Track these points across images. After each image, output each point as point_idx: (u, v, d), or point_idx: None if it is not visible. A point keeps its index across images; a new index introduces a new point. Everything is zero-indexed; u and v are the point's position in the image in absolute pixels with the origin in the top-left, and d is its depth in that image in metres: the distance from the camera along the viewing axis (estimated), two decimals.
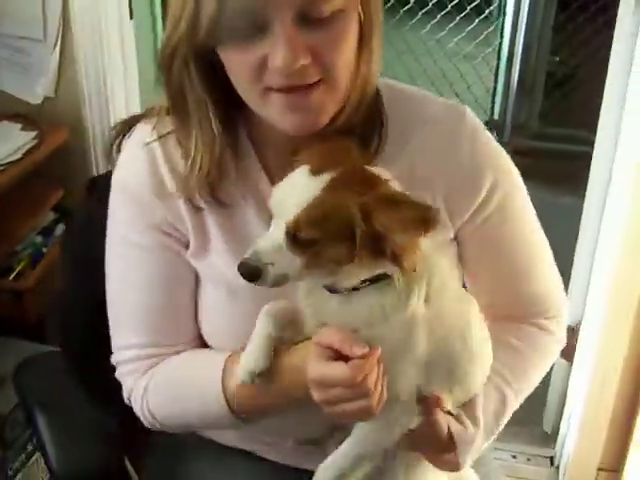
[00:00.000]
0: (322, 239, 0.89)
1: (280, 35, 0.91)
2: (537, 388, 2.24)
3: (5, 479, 1.97)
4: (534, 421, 2.39)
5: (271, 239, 0.91)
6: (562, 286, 1.27)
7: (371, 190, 0.90)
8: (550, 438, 2.32)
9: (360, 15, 0.98)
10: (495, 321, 1.14)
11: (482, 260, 1.18)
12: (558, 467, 2.26)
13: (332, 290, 0.96)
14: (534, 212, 1.21)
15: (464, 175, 1.12)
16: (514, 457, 2.28)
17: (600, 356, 2.05)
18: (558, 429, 2.29)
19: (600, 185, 1.99)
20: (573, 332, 2.14)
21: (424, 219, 0.89)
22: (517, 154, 4.36)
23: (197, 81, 1.00)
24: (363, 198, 0.89)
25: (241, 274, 0.91)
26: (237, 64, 0.97)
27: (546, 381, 2.24)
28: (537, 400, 2.30)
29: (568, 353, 2.18)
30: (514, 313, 1.21)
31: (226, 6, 0.90)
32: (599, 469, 2.16)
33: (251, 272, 0.90)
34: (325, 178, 0.90)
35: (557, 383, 2.26)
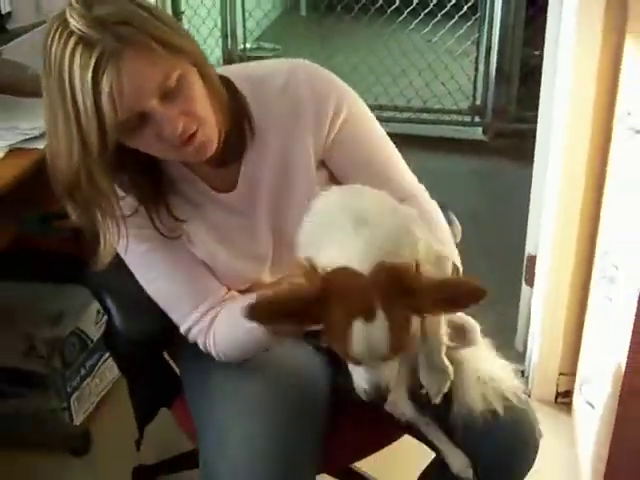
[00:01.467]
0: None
1: (158, 118, 1.20)
2: (509, 316, 2.71)
3: (65, 395, 2.39)
4: (508, 345, 2.84)
5: (383, 372, 1.11)
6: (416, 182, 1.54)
7: (414, 293, 1.06)
8: (521, 355, 2.77)
9: (194, 65, 1.25)
10: None
11: (348, 168, 1.45)
12: (527, 377, 2.71)
13: None
14: (379, 125, 1.48)
15: (315, 113, 1.39)
16: None
17: (553, 280, 2.50)
18: (526, 348, 2.75)
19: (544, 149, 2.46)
20: (533, 260, 2.61)
21: (472, 291, 1.07)
22: (498, 136, 4.80)
23: (104, 180, 1.25)
24: (415, 305, 1.08)
25: (371, 398, 1.14)
26: (141, 146, 1.27)
27: (515, 307, 2.72)
28: (510, 326, 2.77)
29: (530, 279, 2.65)
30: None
31: (107, 122, 1.16)
32: (560, 374, 2.62)
33: (381, 396, 1.13)
34: (380, 316, 1.06)
35: (524, 307, 2.72)
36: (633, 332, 1.72)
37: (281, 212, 1.46)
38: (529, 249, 2.64)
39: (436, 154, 4.14)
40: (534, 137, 2.56)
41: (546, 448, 2.35)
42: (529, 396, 2.55)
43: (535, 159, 2.57)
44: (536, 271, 2.60)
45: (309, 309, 1.08)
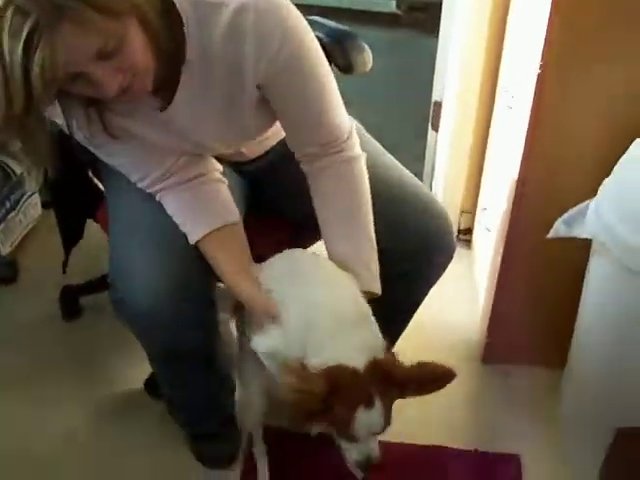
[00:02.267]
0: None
1: (93, 78, 1.17)
2: (415, 165, 2.86)
3: None
4: None
5: (374, 446, 1.34)
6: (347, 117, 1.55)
7: (403, 383, 1.32)
8: None
9: (136, 17, 1.18)
10: (312, 164, 1.53)
11: (285, 104, 1.45)
12: None
13: None
14: (323, 56, 1.44)
15: (257, 45, 1.33)
16: None
17: (456, 124, 2.68)
18: (431, 189, 2.94)
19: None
20: (439, 106, 2.77)
21: (444, 375, 1.33)
22: (411, 9, 4.80)
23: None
24: (402, 392, 1.33)
25: (365, 468, 1.35)
26: (73, 92, 1.22)
27: (421, 157, 2.89)
28: (417, 173, 2.94)
29: (435, 125, 2.83)
30: (322, 142, 1.50)
31: (35, 92, 1.10)
32: (461, 212, 2.83)
33: (375, 464, 1.34)
34: (378, 403, 1.28)
35: (430, 152, 2.89)
36: (524, 146, 1.91)
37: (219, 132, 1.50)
38: (435, 96, 2.80)
39: (352, 25, 4.18)
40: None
41: (448, 278, 2.59)
42: None
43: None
44: (441, 116, 2.76)
45: (316, 410, 1.27)
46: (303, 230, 1.79)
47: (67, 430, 2.02)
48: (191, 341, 1.58)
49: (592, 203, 1.72)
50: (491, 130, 2.57)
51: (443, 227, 1.71)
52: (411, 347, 2.25)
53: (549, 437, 2.02)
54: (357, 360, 1.30)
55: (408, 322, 1.91)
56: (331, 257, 1.52)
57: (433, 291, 2.43)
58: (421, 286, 1.79)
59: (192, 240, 1.53)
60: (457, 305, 2.51)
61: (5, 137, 1.22)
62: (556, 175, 1.92)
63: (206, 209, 1.53)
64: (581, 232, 1.72)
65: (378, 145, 1.80)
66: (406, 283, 1.69)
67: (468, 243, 2.82)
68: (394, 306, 1.63)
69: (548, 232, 1.82)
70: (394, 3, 4.77)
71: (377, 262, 1.53)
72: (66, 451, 1.96)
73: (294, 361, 1.31)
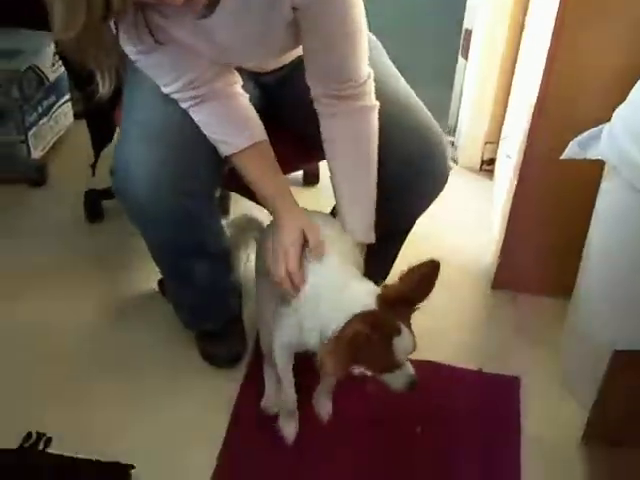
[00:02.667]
0: None
1: None
2: (442, 96, 2.86)
3: (23, 129, 2.54)
4: (442, 120, 3.03)
5: (412, 368, 1.45)
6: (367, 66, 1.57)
7: (411, 299, 1.45)
8: (453, 129, 2.97)
9: None
10: (326, 106, 1.56)
11: (316, 30, 1.47)
12: (456, 147, 2.92)
13: None
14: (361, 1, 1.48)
15: None
16: None
17: (485, 53, 2.67)
18: (457, 124, 2.94)
19: None
20: (470, 34, 2.76)
21: (431, 267, 1.43)
22: None
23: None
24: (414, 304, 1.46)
25: (411, 389, 1.46)
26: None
27: (450, 84, 2.89)
28: (445, 105, 2.95)
29: (465, 52, 2.82)
30: (339, 81, 1.53)
31: None
32: (486, 142, 2.83)
33: (417, 385, 1.46)
34: (404, 328, 1.41)
35: (458, 81, 2.89)
36: (543, 72, 1.91)
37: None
38: (466, 24, 2.78)
39: None
40: None
41: (469, 208, 2.64)
42: (456, 163, 2.83)
43: None
44: (471, 45, 2.75)
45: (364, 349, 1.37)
46: (308, 146, 1.82)
47: (83, 324, 2.11)
48: (191, 236, 1.64)
49: (606, 126, 1.72)
50: (518, 61, 2.56)
51: (436, 151, 1.72)
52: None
53: (550, 362, 2.06)
54: (370, 303, 1.42)
55: (396, 250, 1.95)
56: (336, 199, 1.64)
57: (453, 219, 2.52)
58: (409, 212, 1.81)
59: (228, 152, 1.60)
60: (475, 234, 2.55)
61: (82, 43, 1.25)
62: (573, 99, 1.93)
63: (244, 124, 1.60)
64: (594, 154, 1.73)
65: (390, 64, 1.82)
66: (394, 208, 1.71)
67: (490, 174, 2.83)
68: (382, 231, 1.68)
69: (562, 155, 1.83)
70: None
71: (374, 214, 1.63)
72: (81, 345, 2.06)
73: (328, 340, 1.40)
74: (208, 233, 1.73)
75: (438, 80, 3.05)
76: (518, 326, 2.18)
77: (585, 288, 1.94)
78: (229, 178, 1.71)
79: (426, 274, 1.43)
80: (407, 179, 1.67)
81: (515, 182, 2.12)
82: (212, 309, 1.93)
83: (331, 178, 1.65)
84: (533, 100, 1.99)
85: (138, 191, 1.54)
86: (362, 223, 1.64)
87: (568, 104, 1.93)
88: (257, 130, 1.62)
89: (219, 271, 1.84)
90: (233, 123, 1.60)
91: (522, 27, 2.53)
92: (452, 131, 2.95)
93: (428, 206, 1.81)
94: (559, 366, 2.05)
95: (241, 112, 1.61)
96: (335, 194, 1.65)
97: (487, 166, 2.84)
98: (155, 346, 2.05)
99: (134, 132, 1.59)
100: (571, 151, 1.81)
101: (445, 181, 1.76)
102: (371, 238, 1.64)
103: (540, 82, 1.94)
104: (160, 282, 2.16)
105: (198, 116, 1.59)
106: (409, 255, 2.35)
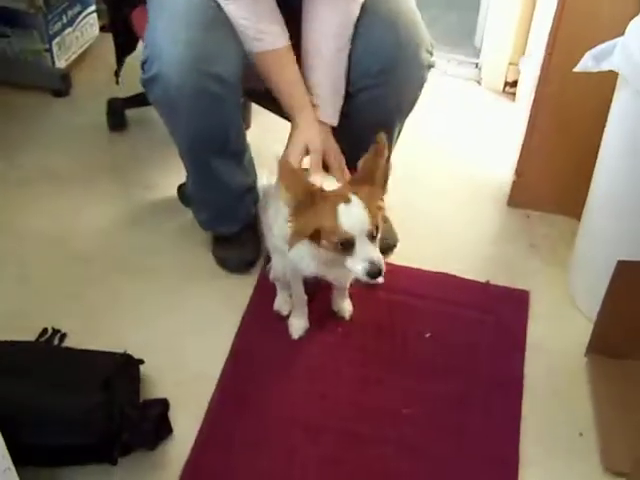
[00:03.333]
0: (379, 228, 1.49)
1: None
2: (469, 19, 2.82)
3: (47, 38, 2.55)
4: (468, 43, 3.01)
5: (373, 250, 1.48)
6: None
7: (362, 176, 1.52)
8: (478, 52, 2.94)
9: None
10: None
11: None
12: (480, 68, 2.90)
13: None
14: None
15: None
16: (448, 61, 2.93)
17: None
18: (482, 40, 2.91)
19: None
20: None
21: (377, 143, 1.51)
22: None
23: None
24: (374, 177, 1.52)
25: (371, 275, 1.47)
26: None
27: (477, 7, 2.86)
28: (471, 28, 2.92)
29: None
30: None
31: None
32: (510, 64, 2.81)
33: (380, 270, 1.47)
34: (356, 200, 1.46)
35: (484, 3, 2.85)
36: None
37: None
38: None
39: None
40: None
41: (490, 128, 2.63)
42: (480, 84, 2.81)
43: None
44: None
45: (305, 199, 1.49)
46: None
47: (102, 227, 2.17)
48: (217, 126, 1.69)
49: (620, 39, 1.72)
50: None
51: (412, 40, 1.74)
52: (443, 180, 2.37)
53: (560, 279, 2.10)
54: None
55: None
56: (305, 83, 1.74)
57: (476, 139, 2.53)
58: (385, 104, 1.81)
59: (262, 48, 1.68)
60: (495, 153, 2.56)
61: None
62: (589, 14, 1.94)
63: (279, 23, 1.69)
64: (607, 66, 1.73)
65: None
66: (370, 100, 1.78)
67: (513, 96, 2.81)
68: (361, 125, 1.76)
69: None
70: None
71: (343, 98, 1.77)
72: (99, 248, 2.11)
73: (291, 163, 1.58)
74: (231, 126, 1.77)
75: (466, 3, 3.04)
76: (530, 242, 2.21)
77: (595, 202, 1.95)
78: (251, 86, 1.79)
79: (377, 148, 1.51)
80: (376, 69, 1.73)
81: (532, 97, 2.11)
82: (231, 210, 1.98)
83: (305, 59, 1.75)
84: (551, 20, 2.00)
85: (166, 74, 1.60)
86: (335, 108, 1.78)
87: (585, 19, 1.94)
88: (287, 34, 1.70)
89: (240, 171, 1.91)
90: (268, 20, 1.67)
91: None
92: (478, 54, 2.92)
93: (404, 100, 1.83)
94: (568, 283, 2.06)
95: (275, 12, 1.69)
96: (310, 80, 1.75)
97: (510, 88, 2.82)
98: (171, 251, 2.10)
99: (161, 18, 1.65)
100: (584, 64, 1.81)
101: (419, 75, 1.79)
102: (335, 121, 1.79)
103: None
104: (179, 188, 2.20)
105: (233, 10, 1.64)
106: (427, 165, 2.44)
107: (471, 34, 2.98)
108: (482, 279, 2.07)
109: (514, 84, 2.80)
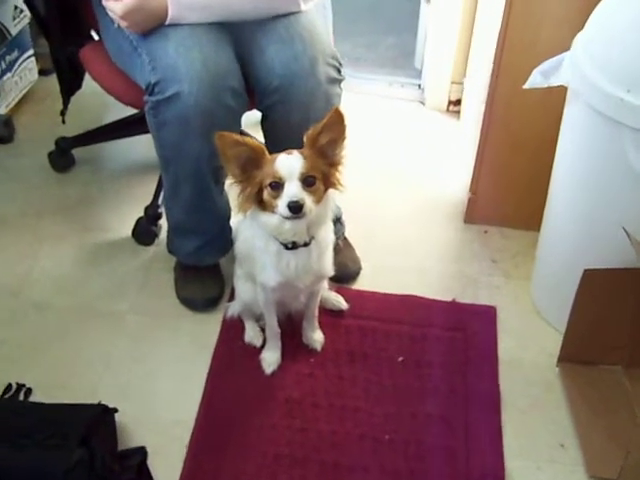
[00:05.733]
0: (317, 176, 1.51)
1: None
2: (408, 42, 2.86)
3: None
4: (408, 65, 3.04)
5: (294, 187, 1.49)
6: None
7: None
8: (419, 73, 2.97)
9: None
10: None
11: None
12: (423, 89, 2.93)
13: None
14: None
15: None
16: (390, 84, 2.95)
17: None
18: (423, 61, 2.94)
19: None
20: None
21: (337, 116, 1.52)
22: None
23: None
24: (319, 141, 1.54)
25: (291, 209, 1.48)
26: None
27: (415, 30, 2.89)
28: (411, 51, 2.95)
29: None
30: None
31: None
32: (452, 82, 2.84)
33: (299, 205, 1.48)
34: (296, 154, 1.51)
35: (422, 24, 2.88)
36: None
37: None
38: None
39: None
40: None
41: (439, 146, 2.66)
42: (424, 105, 2.84)
43: None
44: None
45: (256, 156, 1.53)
46: None
47: (59, 274, 2.11)
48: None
49: (567, 54, 1.75)
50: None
51: (307, 54, 1.76)
52: (399, 204, 2.37)
53: (523, 292, 2.12)
54: None
55: None
56: None
57: (424, 159, 2.56)
58: (290, 119, 1.81)
59: None
60: (446, 172, 2.57)
61: None
62: (534, 30, 1.96)
63: None
64: (557, 80, 1.76)
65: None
66: (278, 117, 1.82)
67: (457, 115, 2.84)
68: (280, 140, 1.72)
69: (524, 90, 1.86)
70: None
71: None
72: (57, 294, 2.05)
73: None
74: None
75: (404, 27, 3.09)
76: (491, 259, 2.23)
77: (553, 213, 1.98)
78: None
79: (332, 118, 1.54)
80: (275, 85, 1.78)
81: (482, 116, 2.14)
82: (219, 237, 1.99)
83: None
84: (496, 34, 2.02)
85: (186, 92, 1.66)
86: None
87: (530, 35, 1.96)
88: None
89: (224, 196, 1.95)
90: None
91: None
92: (419, 74, 2.94)
93: (311, 117, 1.75)
94: (532, 295, 2.09)
95: None
96: None
97: (454, 107, 2.85)
98: (133, 293, 2.06)
99: (171, 41, 1.70)
100: (534, 80, 1.84)
101: (321, 89, 1.79)
102: None
103: (502, 16, 1.97)
104: (137, 226, 2.18)
105: None
106: (381, 192, 2.44)
107: (410, 56, 3.01)
108: (448, 298, 2.07)
109: (457, 102, 2.83)
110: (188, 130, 1.71)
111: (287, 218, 1.51)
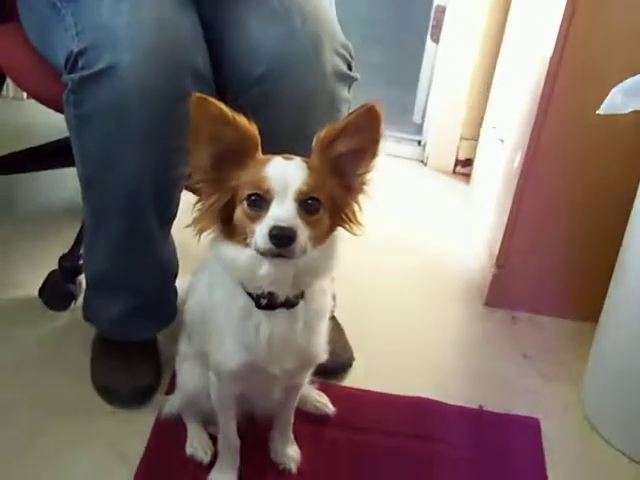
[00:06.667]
0: (323, 202, 1.00)
1: None
2: (408, 87, 2.42)
3: None
4: (405, 120, 2.57)
5: (287, 209, 0.97)
6: None
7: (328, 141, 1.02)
8: (419, 127, 2.50)
9: None
10: None
11: None
12: (424, 146, 2.45)
13: None
14: None
15: None
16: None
17: (463, 33, 2.24)
18: (424, 119, 2.48)
19: None
20: (442, 12, 2.31)
21: (371, 116, 0.99)
22: None
23: None
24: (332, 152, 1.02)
25: (275, 238, 0.94)
26: None
27: (416, 73, 2.44)
28: (408, 97, 2.49)
29: (436, 35, 2.36)
30: None
31: None
32: (461, 138, 2.37)
33: (288, 235, 0.94)
34: (298, 160, 1.01)
35: (427, 67, 2.42)
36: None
37: None
38: (438, 1, 2.34)
39: None
40: None
41: (446, 214, 2.16)
42: (425, 164, 2.36)
43: None
44: (444, 24, 2.31)
45: (241, 138, 1.01)
46: None
47: None
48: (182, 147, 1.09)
49: None
50: (505, 38, 2.14)
51: (309, 33, 1.27)
52: (400, 280, 1.84)
53: (567, 397, 1.61)
54: None
55: None
56: None
57: (431, 228, 2.15)
58: (278, 128, 1.25)
59: None
60: (457, 243, 2.15)
61: None
62: (602, 49, 1.56)
63: None
64: None
65: None
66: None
67: (465, 177, 2.36)
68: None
69: (580, 134, 1.56)
70: None
71: None
72: None
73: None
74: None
75: (399, 72, 2.65)
76: (522, 353, 1.73)
77: (622, 299, 1.50)
78: None
79: (364, 116, 1.00)
80: (258, 72, 1.27)
81: (517, 175, 1.72)
82: (155, 300, 1.45)
83: None
84: (540, 65, 1.63)
85: (125, 66, 1.15)
86: None
87: (596, 57, 1.57)
88: None
89: (167, 246, 1.42)
90: None
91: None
92: (419, 129, 2.48)
93: (307, 125, 1.22)
94: (584, 405, 1.58)
95: None
96: None
97: (462, 167, 2.37)
98: (31, 382, 1.49)
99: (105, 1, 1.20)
100: (612, 102, 1.39)
101: (324, 86, 1.28)
102: None
103: (557, 37, 1.57)
104: (45, 285, 1.66)
105: None
106: (377, 264, 1.91)
107: (408, 108, 2.56)
108: (470, 404, 1.55)
109: (467, 162, 2.34)
110: (123, 129, 1.18)
111: (265, 253, 0.97)
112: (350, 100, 1.32)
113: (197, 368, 1.26)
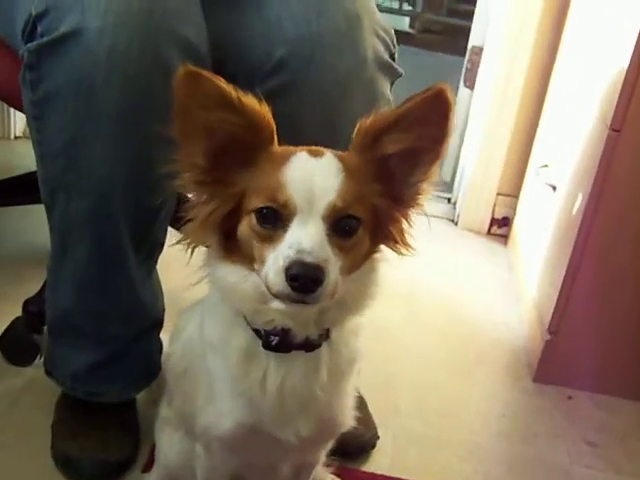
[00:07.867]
0: (363, 220, 0.75)
1: None
2: None
3: None
4: None
5: (313, 232, 0.71)
6: None
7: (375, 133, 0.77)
8: (448, 185, 2.25)
9: None
10: None
11: None
12: (455, 204, 2.19)
13: None
14: None
15: None
16: None
17: (500, 81, 2.02)
18: (455, 174, 2.23)
19: None
20: (479, 53, 2.09)
21: (439, 102, 0.74)
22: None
23: None
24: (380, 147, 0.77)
25: (295, 280, 0.68)
26: None
27: None
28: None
29: (471, 80, 2.13)
30: None
31: None
32: (498, 194, 2.10)
33: (313, 277, 0.69)
34: (329, 155, 0.76)
35: (461, 115, 2.17)
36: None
37: None
38: (474, 40, 2.11)
39: None
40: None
41: (482, 278, 1.89)
42: (456, 224, 2.10)
43: None
44: (480, 67, 2.08)
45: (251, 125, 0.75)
46: None
47: None
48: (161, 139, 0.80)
49: None
50: (553, 76, 1.91)
51: (345, 8, 1.00)
52: (430, 349, 1.57)
53: None
54: None
55: None
56: None
57: (468, 294, 1.94)
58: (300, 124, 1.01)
59: None
60: (490, 308, 1.85)
61: None
62: None
63: None
64: None
65: None
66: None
67: (503, 239, 2.08)
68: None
69: None
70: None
71: None
72: None
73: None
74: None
75: None
76: (585, 440, 1.42)
77: None
78: None
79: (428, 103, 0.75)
80: (279, 55, 1.01)
81: (577, 225, 1.44)
82: (131, 348, 1.14)
83: None
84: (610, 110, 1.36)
85: (95, 30, 0.90)
86: None
87: None
88: None
89: (150, 285, 1.14)
90: None
91: (556, 36, 1.93)
92: (448, 188, 2.22)
93: (341, 121, 0.98)
94: None
95: None
96: None
97: (498, 228, 2.10)
98: None
99: None
100: None
101: (364, 75, 1.01)
102: None
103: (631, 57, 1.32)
104: (5, 335, 1.36)
105: None
106: (406, 330, 1.63)
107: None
108: None
109: (504, 222, 2.07)
110: (89, 111, 0.91)
111: (279, 297, 0.70)
112: (392, 101, 1.06)
113: (179, 436, 0.96)
